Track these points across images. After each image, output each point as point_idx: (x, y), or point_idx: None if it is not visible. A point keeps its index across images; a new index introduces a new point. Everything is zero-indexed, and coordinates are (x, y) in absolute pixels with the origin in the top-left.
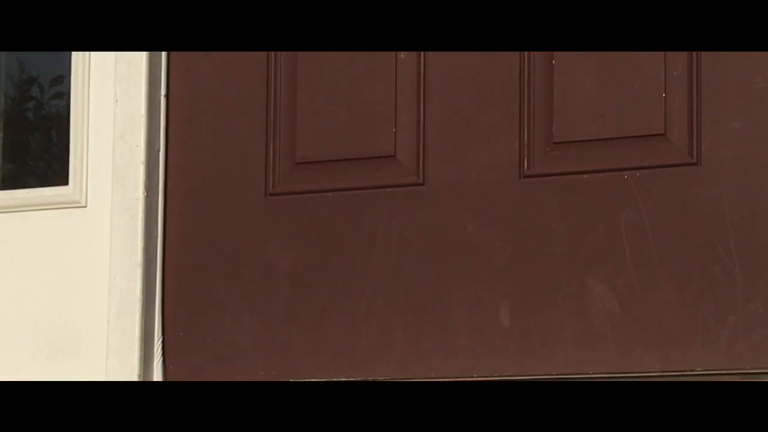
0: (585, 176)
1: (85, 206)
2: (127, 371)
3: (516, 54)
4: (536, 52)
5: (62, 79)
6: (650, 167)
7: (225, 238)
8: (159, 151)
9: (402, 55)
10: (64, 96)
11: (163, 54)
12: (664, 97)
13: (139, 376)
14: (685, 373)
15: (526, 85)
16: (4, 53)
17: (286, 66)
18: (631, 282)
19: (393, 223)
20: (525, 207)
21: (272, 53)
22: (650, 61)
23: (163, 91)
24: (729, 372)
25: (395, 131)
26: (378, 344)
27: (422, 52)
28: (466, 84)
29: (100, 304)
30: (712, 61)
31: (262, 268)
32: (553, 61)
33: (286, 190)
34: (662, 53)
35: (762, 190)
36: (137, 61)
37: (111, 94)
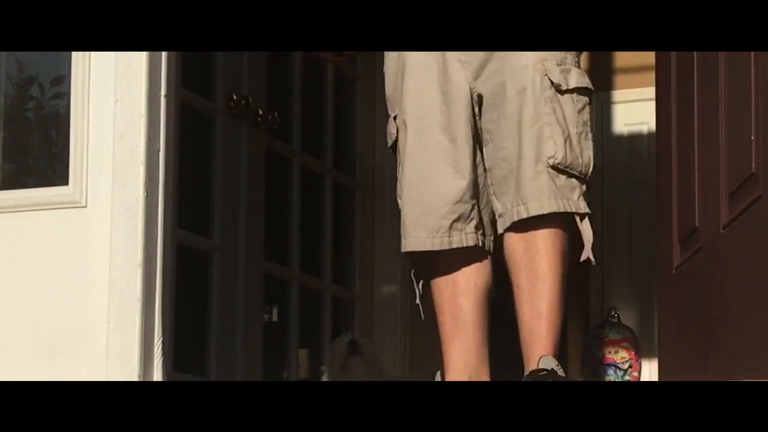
0: None
1: (85, 206)
2: (128, 371)
3: None
4: None
5: (62, 79)
6: None
7: None
8: (159, 151)
9: None
10: (64, 96)
11: (164, 54)
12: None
13: (139, 376)
14: None
15: None
16: (4, 53)
17: None
18: None
19: None
20: None
21: None
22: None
23: (163, 91)
24: None
25: None
26: None
27: None
28: None
29: (100, 304)
30: None
31: None
32: None
33: None
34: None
35: None
36: (137, 61)
37: (111, 94)
